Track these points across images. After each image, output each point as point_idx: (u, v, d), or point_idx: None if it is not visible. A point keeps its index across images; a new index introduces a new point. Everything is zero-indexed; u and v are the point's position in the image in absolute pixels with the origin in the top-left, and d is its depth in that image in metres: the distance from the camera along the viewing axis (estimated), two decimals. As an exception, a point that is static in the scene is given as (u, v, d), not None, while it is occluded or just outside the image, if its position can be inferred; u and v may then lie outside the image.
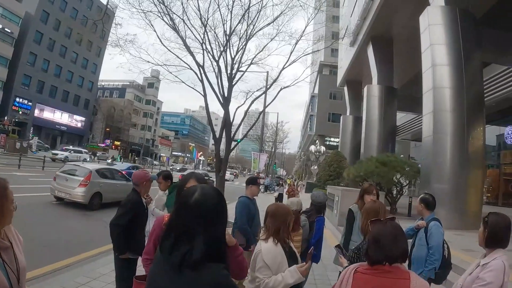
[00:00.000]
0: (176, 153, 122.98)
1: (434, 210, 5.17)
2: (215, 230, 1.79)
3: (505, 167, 22.61)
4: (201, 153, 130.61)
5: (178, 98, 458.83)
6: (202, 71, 14.03)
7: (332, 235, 13.35)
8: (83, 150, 50.25)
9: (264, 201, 6.52)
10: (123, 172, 18.26)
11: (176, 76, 14.45)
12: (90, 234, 9.89)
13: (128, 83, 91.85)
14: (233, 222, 5.76)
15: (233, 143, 16.46)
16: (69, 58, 64.49)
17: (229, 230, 3.90)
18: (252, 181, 6.12)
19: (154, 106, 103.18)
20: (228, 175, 76.36)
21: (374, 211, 3.77)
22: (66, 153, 41.70)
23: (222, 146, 15.79)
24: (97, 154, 56.73)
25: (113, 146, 78.06)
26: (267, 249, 3.28)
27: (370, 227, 2.42)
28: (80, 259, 7.39)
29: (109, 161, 46.23)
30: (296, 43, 14.97)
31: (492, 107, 19.02)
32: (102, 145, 73.39)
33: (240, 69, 14.89)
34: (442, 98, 14.25)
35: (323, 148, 40.83)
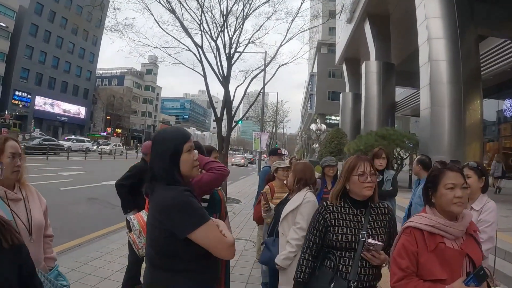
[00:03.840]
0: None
1: (431, 171, 5.44)
2: (160, 160, 2.12)
3: (505, 141, 23.00)
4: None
5: (177, 83, 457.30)
6: (201, 52, 14.16)
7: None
8: (85, 139, 50.45)
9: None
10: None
11: (175, 59, 14.61)
12: (95, 217, 10.06)
13: (126, 70, 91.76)
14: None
15: (234, 123, 16.67)
16: (65, 48, 64.27)
17: None
18: (274, 152, 6.96)
19: (154, 92, 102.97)
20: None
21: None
22: (68, 143, 41.91)
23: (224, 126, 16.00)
24: (100, 143, 56.95)
25: (114, 134, 78.09)
26: None
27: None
28: (90, 239, 7.65)
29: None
30: (292, 20, 15.05)
31: (490, 81, 19.21)
32: (104, 133, 73.48)
33: (238, 48, 15.00)
34: (439, 71, 14.45)
35: (323, 126, 40.88)
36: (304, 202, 3.71)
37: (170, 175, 2.08)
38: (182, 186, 2.06)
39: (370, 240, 2.51)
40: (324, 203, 2.83)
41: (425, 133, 15.19)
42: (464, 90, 13.90)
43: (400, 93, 31.83)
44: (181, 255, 2.00)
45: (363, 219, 2.71)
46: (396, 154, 18.02)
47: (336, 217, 2.72)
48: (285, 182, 5.49)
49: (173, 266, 2.02)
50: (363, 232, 2.63)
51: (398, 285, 2.20)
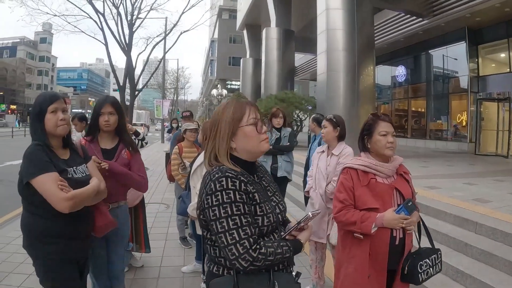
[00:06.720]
0: (76, 110, 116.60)
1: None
2: (30, 119, 2.52)
3: (398, 104, 25.62)
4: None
5: (73, 52, 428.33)
6: (102, 19, 13.94)
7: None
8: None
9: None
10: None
11: (75, 27, 14.28)
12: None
13: (19, 40, 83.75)
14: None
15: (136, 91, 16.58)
16: None
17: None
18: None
19: (49, 62, 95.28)
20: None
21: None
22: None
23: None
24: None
25: (9, 111, 71.23)
26: None
27: None
28: (5, 220, 7.34)
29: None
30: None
31: (385, 49, 21.12)
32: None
33: (140, 15, 14.88)
34: (335, 39, 15.38)
35: (224, 92, 41.29)
36: None
37: (33, 131, 2.41)
38: (38, 141, 2.36)
39: (311, 213, 1.89)
40: (233, 171, 1.76)
41: (322, 95, 16.14)
42: (358, 57, 15.04)
43: (299, 58, 33.12)
44: (30, 199, 2.35)
45: (262, 185, 1.97)
46: (296, 116, 19.12)
47: (257, 188, 1.84)
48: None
49: (28, 208, 2.40)
50: (273, 203, 1.94)
51: (338, 215, 2.68)
